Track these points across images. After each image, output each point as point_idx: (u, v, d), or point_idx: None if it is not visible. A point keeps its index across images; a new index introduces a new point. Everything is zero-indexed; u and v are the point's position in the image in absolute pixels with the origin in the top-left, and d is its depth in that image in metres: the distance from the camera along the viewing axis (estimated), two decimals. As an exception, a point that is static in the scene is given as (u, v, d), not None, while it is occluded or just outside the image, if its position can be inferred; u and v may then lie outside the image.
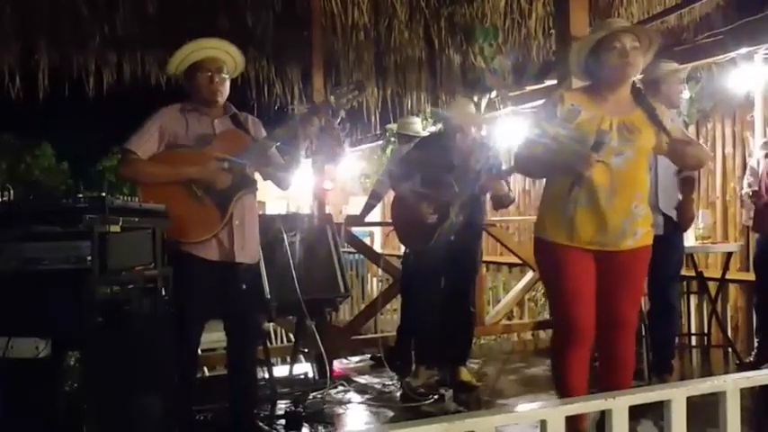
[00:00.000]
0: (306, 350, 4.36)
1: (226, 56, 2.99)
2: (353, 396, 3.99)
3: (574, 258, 2.61)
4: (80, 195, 2.36)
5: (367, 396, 3.98)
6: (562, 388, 2.70)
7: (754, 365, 4.28)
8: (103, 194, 2.34)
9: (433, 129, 7.11)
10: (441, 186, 3.85)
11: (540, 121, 2.70)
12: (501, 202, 3.94)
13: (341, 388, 4.10)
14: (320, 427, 3.42)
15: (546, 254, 2.71)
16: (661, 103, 3.70)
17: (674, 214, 3.73)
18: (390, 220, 4.38)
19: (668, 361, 3.93)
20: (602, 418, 2.57)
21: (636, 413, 1.57)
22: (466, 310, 4.12)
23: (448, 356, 4.15)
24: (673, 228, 3.73)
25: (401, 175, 4.06)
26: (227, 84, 3.00)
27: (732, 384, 1.60)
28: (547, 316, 5.79)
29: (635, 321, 2.72)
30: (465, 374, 4.04)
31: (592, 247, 2.61)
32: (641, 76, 3.89)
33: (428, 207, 3.86)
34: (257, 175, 3.07)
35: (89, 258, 2.28)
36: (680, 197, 3.78)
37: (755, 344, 4.56)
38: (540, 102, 2.78)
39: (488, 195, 4.05)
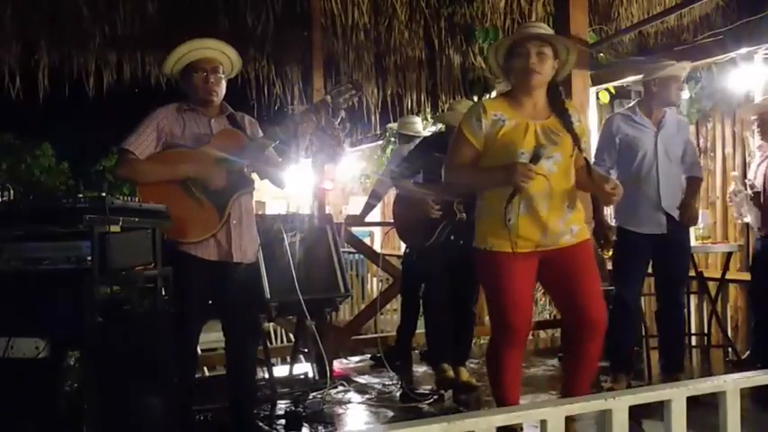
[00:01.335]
0: (306, 350, 4.36)
1: (222, 56, 2.99)
2: (353, 396, 3.99)
3: (515, 266, 2.65)
4: (80, 195, 2.36)
5: (367, 396, 3.98)
6: (499, 387, 2.78)
7: (749, 361, 4.31)
8: (103, 194, 2.35)
9: (433, 129, 7.12)
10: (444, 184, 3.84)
11: (467, 135, 2.71)
12: None
13: (341, 388, 4.10)
14: (320, 427, 3.42)
15: (488, 263, 2.73)
16: (658, 103, 3.75)
17: (676, 213, 3.73)
18: (391, 220, 4.37)
19: (679, 360, 3.94)
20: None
21: (637, 414, 1.57)
22: (468, 310, 4.12)
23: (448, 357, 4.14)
24: (677, 227, 3.73)
25: (404, 173, 4.06)
26: (224, 84, 3.01)
27: (732, 384, 1.60)
28: (547, 316, 5.79)
29: (600, 317, 2.69)
30: (465, 375, 4.04)
31: (534, 250, 2.66)
32: (641, 76, 3.91)
33: (433, 202, 3.86)
34: (255, 175, 3.07)
35: (89, 258, 2.28)
36: (683, 196, 3.79)
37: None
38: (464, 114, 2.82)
39: None
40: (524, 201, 2.61)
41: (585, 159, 2.75)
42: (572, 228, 2.68)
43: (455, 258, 3.90)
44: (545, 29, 2.77)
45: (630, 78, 5.61)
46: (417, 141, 4.80)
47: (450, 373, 3.92)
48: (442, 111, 6.59)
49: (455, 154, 2.79)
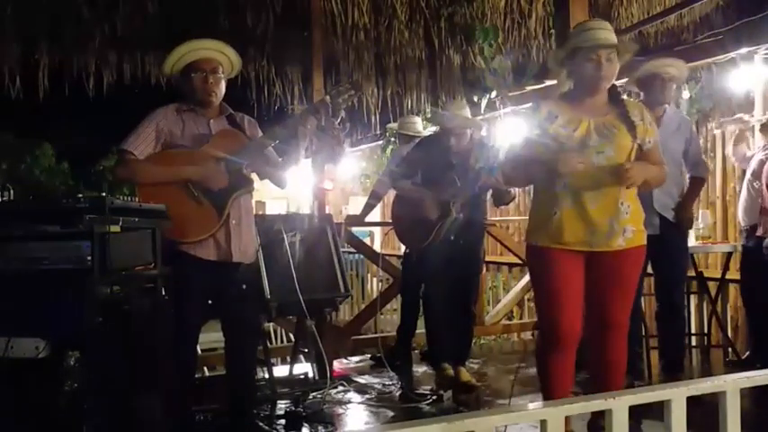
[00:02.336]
0: (306, 350, 4.36)
1: (221, 56, 2.99)
2: (353, 396, 3.99)
3: (562, 262, 2.62)
4: (80, 195, 2.38)
5: (367, 396, 3.98)
6: (547, 390, 2.72)
7: (749, 361, 4.32)
8: (103, 195, 2.36)
9: (434, 129, 7.11)
10: (442, 184, 3.85)
11: (522, 132, 2.74)
12: (502, 199, 3.93)
13: (341, 388, 4.11)
14: (320, 427, 3.42)
15: (536, 259, 2.72)
16: (648, 103, 3.74)
17: (670, 215, 3.72)
18: (390, 220, 4.38)
19: (679, 360, 3.94)
20: (594, 419, 2.56)
21: (637, 414, 1.57)
22: (467, 309, 4.12)
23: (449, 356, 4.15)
24: (671, 228, 3.72)
25: (402, 174, 4.07)
26: (223, 84, 3.01)
27: (732, 384, 1.60)
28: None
29: (626, 323, 2.72)
30: (465, 375, 4.04)
31: (581, 248, 2.61)
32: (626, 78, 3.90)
33: (431, 203, 3.87)
34: (254, 176, 3.08)
35: (89, 258, 2.29)
36: (680, 197, 3.78)
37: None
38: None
39: (489, 194, 4.05)
40: (572, 195, 2.59)
41: (647, 155, 2.67)
42: (626, 228, 2.62)
43: (454, 258, 3.91)
44: (608, 29, 2.69)
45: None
46: (417, 141, 4.80)
47: (451, 371, 3.93)
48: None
49: (510, 150, 2.86)
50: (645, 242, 2.72)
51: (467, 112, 4.13)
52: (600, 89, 2.65)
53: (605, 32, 2.65)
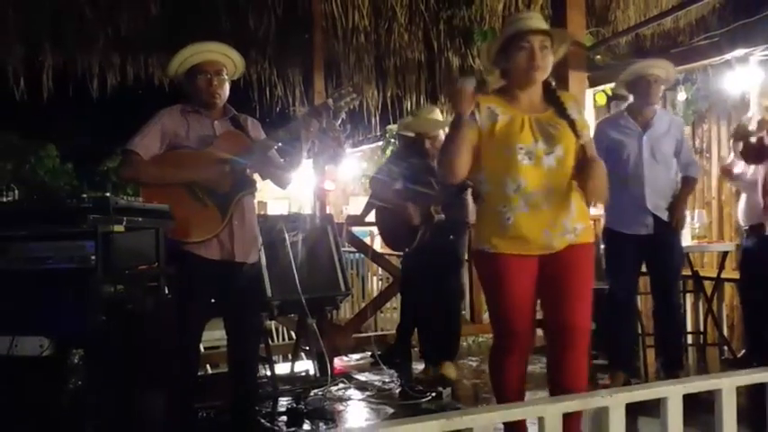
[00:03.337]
0: (307, 348, 4.39)
1: (225, 59, 3.02)
2: (354, 393, 4.02)
3: (515, 267, 2.52)
4: (84, 195, 2.39)
5: (367, 393, 4.01)
6: (500, 392, 2.64)
7: (745, 360, 4.34)
8: (107, 195, 2.38)
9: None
10: (422, 187, 3.94)
11: (459, 128, 2.53)
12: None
13: (341, 385, 4.13)
14: (321, 424, 3.46)
15: (487, 264, 2.59)
16: (638, 104, 3.77)
17: (663, 215, 3.75)
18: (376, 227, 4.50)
19: (678, 358, 3.97)
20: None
21: (633, 412, 1.59)
22: (450, 306, 4.19)
23: (437, 352, 4.23)
24: (664, 228, 3.75)
25: (384, 183, 4.18)
26: (227, 86, 3.03)
27: (728, 382, 1.62)
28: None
29: (587, 327, 2.58)
30: (448, 369, 4.13)
31: (536, 252, 2.52)
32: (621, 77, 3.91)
33: (414, 210, 3.96)
34: (257, 176, 3.11)
35: (93, 258, 2.31)
36: (672, 197, 3.81)
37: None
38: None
39: (470, 192, 4.09)
40: (524, 198, 2.47)
41: (585, 150, 2.55)
42: (576, 226, 2.53)
43: (436, 259, 3.99)
44: (539, 18, 2.58)
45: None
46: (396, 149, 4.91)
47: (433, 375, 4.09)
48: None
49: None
50: (593, 240, 2.63)
51: (437, 114, 4.23)
52: (534, 81, 2.53)
53: (536, 20, 2.53)
